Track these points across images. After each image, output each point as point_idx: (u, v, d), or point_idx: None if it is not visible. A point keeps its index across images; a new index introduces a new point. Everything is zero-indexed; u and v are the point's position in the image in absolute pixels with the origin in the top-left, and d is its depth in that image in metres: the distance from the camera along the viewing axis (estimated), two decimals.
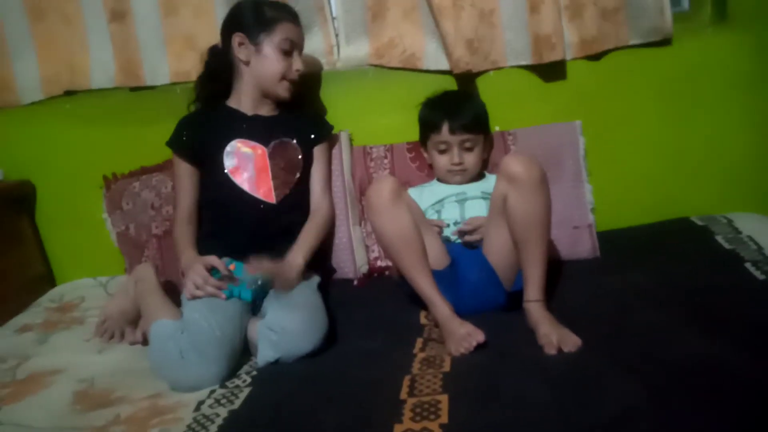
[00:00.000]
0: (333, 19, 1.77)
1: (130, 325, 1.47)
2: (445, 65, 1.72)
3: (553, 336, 1.17)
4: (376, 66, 1.78)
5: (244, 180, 1.53)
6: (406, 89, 1.71)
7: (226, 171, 1.53)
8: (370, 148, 1.76)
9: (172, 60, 1.78)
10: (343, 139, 1.73)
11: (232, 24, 1.54)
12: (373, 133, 1.78)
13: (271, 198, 1.53)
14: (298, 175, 1.57)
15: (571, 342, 1.16)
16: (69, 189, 1.85)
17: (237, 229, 1.50)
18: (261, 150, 1.55)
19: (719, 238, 1.59)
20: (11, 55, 1.82)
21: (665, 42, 1.68)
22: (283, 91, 1.55)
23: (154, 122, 1.73)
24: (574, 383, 1.04)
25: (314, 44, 1.76)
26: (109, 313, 1.49)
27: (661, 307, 1.28)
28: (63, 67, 1.82)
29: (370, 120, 1.80)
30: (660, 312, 1.26)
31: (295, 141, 1.57)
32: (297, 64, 1.54)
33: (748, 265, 1.42)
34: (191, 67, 1.72)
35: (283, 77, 1.53)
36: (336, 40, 1.78)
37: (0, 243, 1.75)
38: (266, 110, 1.59)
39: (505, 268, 1.36)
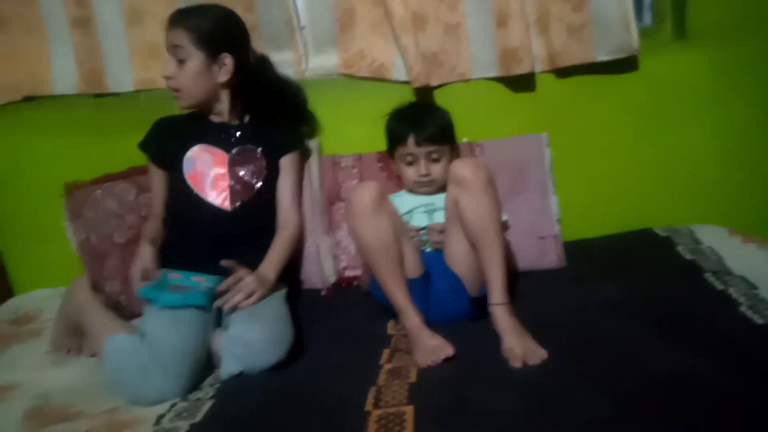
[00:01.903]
0: (301, 29, 1.77)
1: (85, 337, 1.44)
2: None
3: (518, 349, 1.18)
4: (345, 76, 1.78)
5: (201, 185, 1.51)
6: (375, 99, 1.71)
7: (185, 176, 1.51)
8: (339, 157, 1.75)
9: (136, 67, 1.75)
10: (312, 148, 1.72)
11: None
12: (342, 142, 1.78)
13: (227, 205, 1.51)
14: (259, 183, 1.54)
15: (536, 355, 1.16)
16: (27, 198, 1.81)
17: (193, 234, 1.48)
18: (221, 156, 1.53)
19: (680, 249, 1.62)
20: None
21: (630, 57, 1.72)
22: (177, 100, 1.51)
23: (118, 130, 1.70)
24: (541, 395, 1.05)
25: (283, 54, 1.76)
26: (60, 329, 1.46)
27: (625, 317, 1.30)
28: (23, 74, 1.78)
29: (340, 129, 1.79)
30: (625, 322, 1.27)
31: (259, 149, 1.56)
32: (165, 71, 1.48)
33: (707, 275, 1.45)
34: (156, 74, 1.69)
35: (168, 87, 1.50)
36: (304, 50, 1.78)
37: None
38: (235, 118, 1.57)
39: (468, 274, 1.37)
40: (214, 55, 1.47)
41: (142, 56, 1.75)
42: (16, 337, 1.56)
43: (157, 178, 1.58)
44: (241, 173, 1.53)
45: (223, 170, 1.52)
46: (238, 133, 1.55)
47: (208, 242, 1.46)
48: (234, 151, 1.54)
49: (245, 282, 1.35)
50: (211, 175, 1.51)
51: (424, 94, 1.76)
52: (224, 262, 1.35)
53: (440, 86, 1.76)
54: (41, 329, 1.58)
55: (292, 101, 1.66)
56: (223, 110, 1.54)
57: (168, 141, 1.55)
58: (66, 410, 1.19)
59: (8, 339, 1.55)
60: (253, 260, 1.45)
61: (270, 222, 1.55)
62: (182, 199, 1.52)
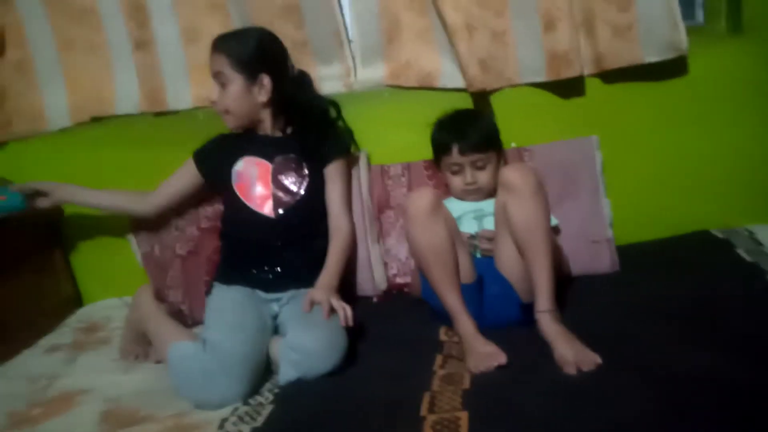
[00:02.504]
0: (349, 42, 1.81)
1: (151, 344, 1.51)
2: (460, 83, 1.74)
3: (570, 355, 1.16)
4: (392, 87, 1.81)
5: (249, 195, 1.57)
6: (422, 108, 1.73)
7: (234, 188, 1.58)
8: (388, 166, 1.78)
9: (194, 86, 1.84)
10: (362, 158, 1.76)
11: None
12: (391, 152, 1.80)
13: (272, 213, 1.56)
14: (302, 191, 1.59)
15: (590, 360, 1.15)
16: (95, 212, 1.90)
17: (243, 242, 1.56)
18: (265, 166, 1.59)
19: (740, 251, 1.57)
20: (40, 85, 1.89)
21: (680, 57, 1.68)
22: (226, 123, 1.59)
23: (177, 145, 1.77)
24: (595, 402, 1.03)
25: (332, 68, 1.80)
26: (128, 336, 1.54)
27: (681, 322, 1.27)
28: (90, 94, 1.88)
29: (388, 139, 1.82)
30: (680, 327, 1.25)
31: (301, 158, 1.60)
32: (212, 97, 1.57)
33: None
34: (212, 92, 1.76)
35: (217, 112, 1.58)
36: (353, 63, 1.82)
37: (30, 266, 1.79)
38: (278, 131, 1.63)
39: (519, 280, 1.37)
40: (253, 76, 1.53)
41: (199, 74, 1.81)
42: (87, 344, 1.65)
43: (187, 177, 1.66)
44: (285, 182, 1.58)
45: (266, 179, 1.58)
46: (280, 145, 1.61)
47: (256, 248, 1.53)
48: (277, 160, 1.59)
49: (315, 299, 1.37)
50: (257, 185, 1.58)
51: (477, 99, 1.77)
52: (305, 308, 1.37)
53: (492, 92, 1.77)
54: (110, 337, 1.66)
55: (324, 115, 1.69)
56: (266, 126, 1.61)
57: (220, 153, 1.62)
58: (136, 414, 1.25)
59: (80, 346, 1.64)
60: (298, 264, 1.51)
61: (316, 228, 1.59)
62: (233, 211, 1.59)
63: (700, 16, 1.80)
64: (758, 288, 1.38)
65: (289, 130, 1.63)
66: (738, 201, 1.76)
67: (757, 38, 1.70)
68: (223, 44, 1.54)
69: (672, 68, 1.71)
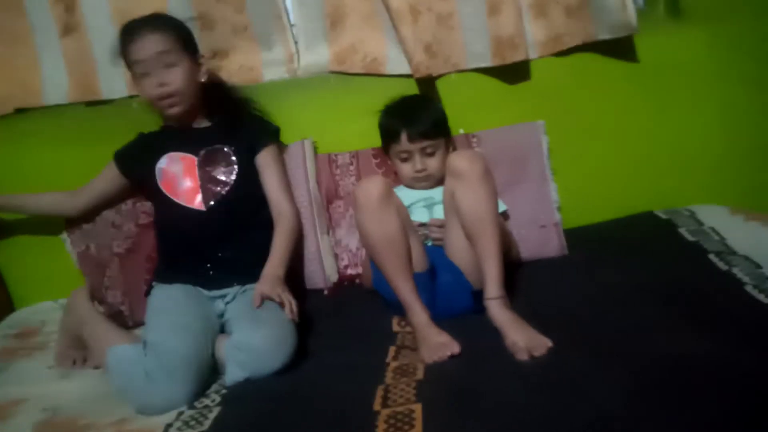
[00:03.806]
0: (291, 26, 1.75)
1: (88, 349, 1.44)
2: (407, 69, 1.71)
3: (521, 341, 1.16)
4: (337, 73, 1.76)
5: (176, 191, 1.52)
6: (369, 95, 1.70)
7: (159, 185, 1.53)
8: (335, 155, 1.74)
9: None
10: (307, 147, 1.71)
11: None
12: (338, 140, 1.77)
13: (202, 206, 1.51)
14: (232, 179, 1.54)
15: (541, 345, 1.15)
16: None
17: (177, 239, 1.51)
18: (191, 160, 1.54)
19: (683, 231, 1.61)
20: None
21: (625, 39, 1.70)
22: (168, 110, 1.50)
23: (112, 138, 1.68)
24: (549, 386, 1.04)
25: (274, 53, 1.74)
26: (64, 341, 1.47)
27: (630, 302, 1.29)
28: (14, 85, 1.76)
29: (334, 127, 1.78)
30: (629, 308, 1.27)
31: (228, 147, 1.55)
32: (156, 80, 1.45)
33: (711, 256, 1.45)
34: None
35: (158, 98, 1.47)
36: (296, 47, 1.76)
37: None
38: (199, 122, 1.57)
39: (469, 267, 1.36)
40: (195, 57, 1.51)
41: None
42: (21, 351, 1.56)
43: (109, 178, 1.62)
44: (213, 173, 1.54)
45: (193, 173, 1.53)
46: (203, 137, 1.56)
47: (190, 244, 1.49)
48: (202, 152, 1.54)
49: (263, 293, 1.32)
50: (184, 180, 1.53)
51: (423, 85, 1.75)
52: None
53: (438, 77, 1.75)
54: (45, 342, 1.58)
55: (244, 101, 1.65)
56: (194, 114, 1.55)
57: (142, 153, 1.57)
58: (74, 423, 1.19)
59: (12, 353, 1.55)
60: (237, 258, 1.47)
61: (252, 219, 1.54)
62: (163, 209, 1.55)
63: (639, 0, 1.82)
64: (701, 266, 1.41)
65: (207, 121, 1.58)
66: (681, 182, 1.81)
67: (695, 22, 1.74)
68: (167, 22, 1.47)
69: (616, 53, 1.74)
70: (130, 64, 1.48)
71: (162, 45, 1.44)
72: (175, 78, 1.46)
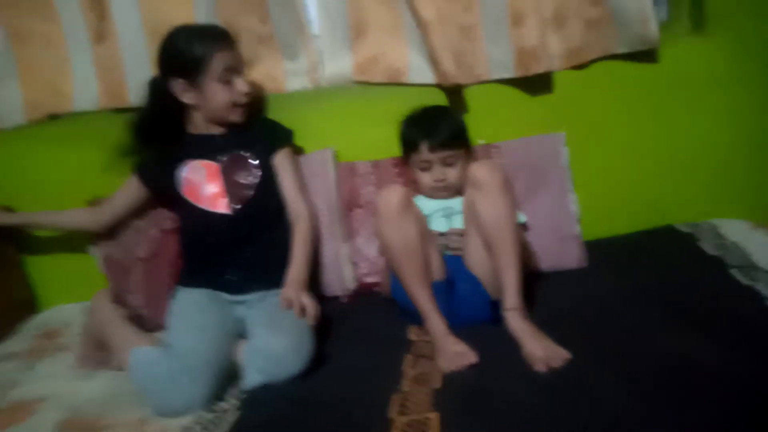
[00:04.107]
0: (315, 37, 1.77)
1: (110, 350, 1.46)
2: (429, 79, 1.72)
3: (539, 352, 1.17)
4: (360, 83, 1.78)
5: (199, 197, 1.55)
6: (390, 104, 1.71)
7: (182, 193, 1.56)
8: (356, 164, 1.76)
9: None
10: (329, 156, 1.73)
11: (168, 67, 1.52)
12: (359, 149, 1.78)
13: (227, 209, 1.54)
14: (256, 182, 1.57)
15: (558, 356, 1.16)
16: None
17: (201, 244, 1.54)
18: (213, 166, 1.57)
19: (704, 245, 1.59)
20: None
21: (648, 51, 1.69)
22: (235, 116, 1.55)
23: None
24: (566, 397, 1.04)
25: (298, 63, 1.77)
26: (87, 343, 1.49)
27: (648, 315, 1.28)
28: (46, 91, 1.81)
29: (356, 136, 1.79)
30: (648, 320, 1.26)
31: (246, 152, 1.58)
32: (241, 87, 1.52)
33: (733, 270, 1.43)
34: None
35: (233, 104, 1.53)
36: (319, 58, 1.78)
37: None
38: (218, 129, 1.59)
39: (488, 277, 1.37)
40: None
41: None
42: (45, 351, 1.59)
43: (133, 192, 1.64)
44: (236, 177, 1.56)
45: (217, 178, 1.55)
46: (220, 143, 1.58)
47: (215, 248, 1.51)
48: (224, 158, 1.57)
49: (287, 298, 1.36)
50: (207, 186, 1.55)
51: (448, 95, 1.75)
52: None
53: (464, 86, 1.75)
54: (69, 343, 1.60)
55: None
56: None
57: (162, 163, 1.59)
58: (95, 422, 1.21)
59: (37, 353, 1.58)
60: (260, 263, 1.49)
61: (276, 220, 1.57)
62: (187, 215, 1.57)
63: (663, 13, 1.81)
64: (722, 280, 1.40)
65: (222, 128, 1.59)
66: (703, 196, 1.78)
67: (720, 35, 1.72)
68: (231, 37, 1.54)
69: (639, 65, 1.73)
70: (217, 68, 1.48)
71: (238, 56, 1.53)
72: (247, 87, 1.54)
